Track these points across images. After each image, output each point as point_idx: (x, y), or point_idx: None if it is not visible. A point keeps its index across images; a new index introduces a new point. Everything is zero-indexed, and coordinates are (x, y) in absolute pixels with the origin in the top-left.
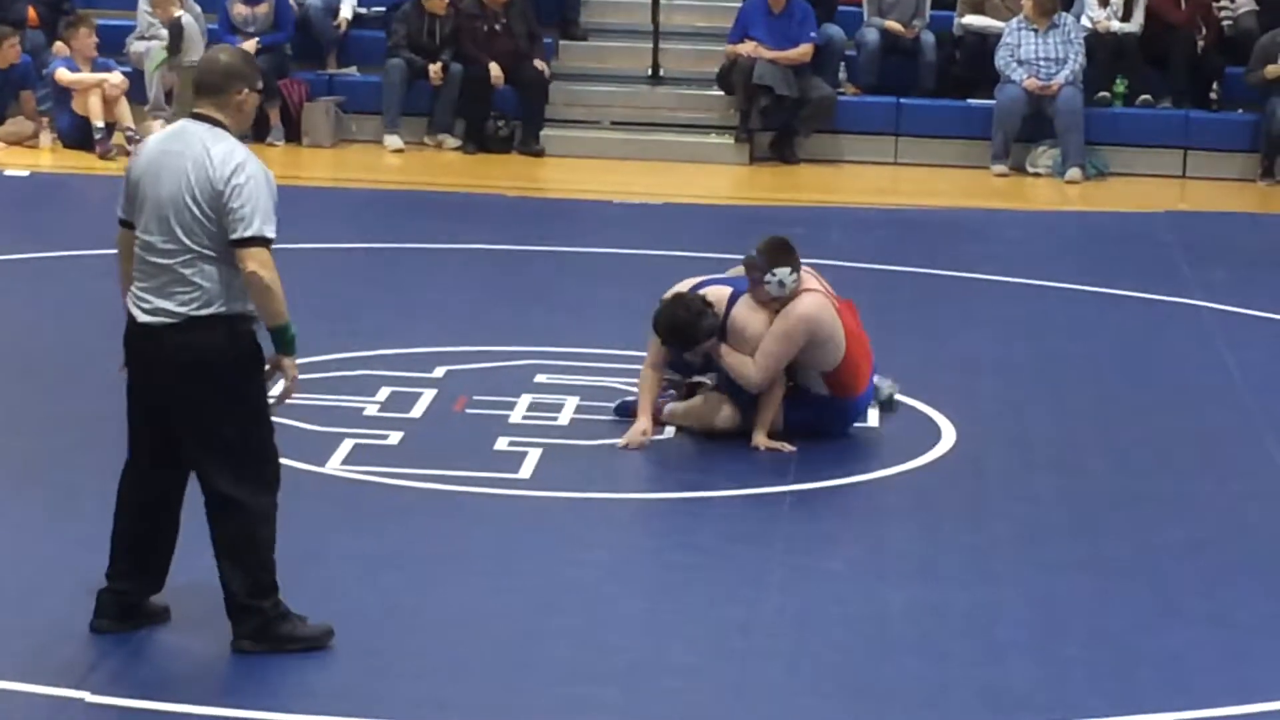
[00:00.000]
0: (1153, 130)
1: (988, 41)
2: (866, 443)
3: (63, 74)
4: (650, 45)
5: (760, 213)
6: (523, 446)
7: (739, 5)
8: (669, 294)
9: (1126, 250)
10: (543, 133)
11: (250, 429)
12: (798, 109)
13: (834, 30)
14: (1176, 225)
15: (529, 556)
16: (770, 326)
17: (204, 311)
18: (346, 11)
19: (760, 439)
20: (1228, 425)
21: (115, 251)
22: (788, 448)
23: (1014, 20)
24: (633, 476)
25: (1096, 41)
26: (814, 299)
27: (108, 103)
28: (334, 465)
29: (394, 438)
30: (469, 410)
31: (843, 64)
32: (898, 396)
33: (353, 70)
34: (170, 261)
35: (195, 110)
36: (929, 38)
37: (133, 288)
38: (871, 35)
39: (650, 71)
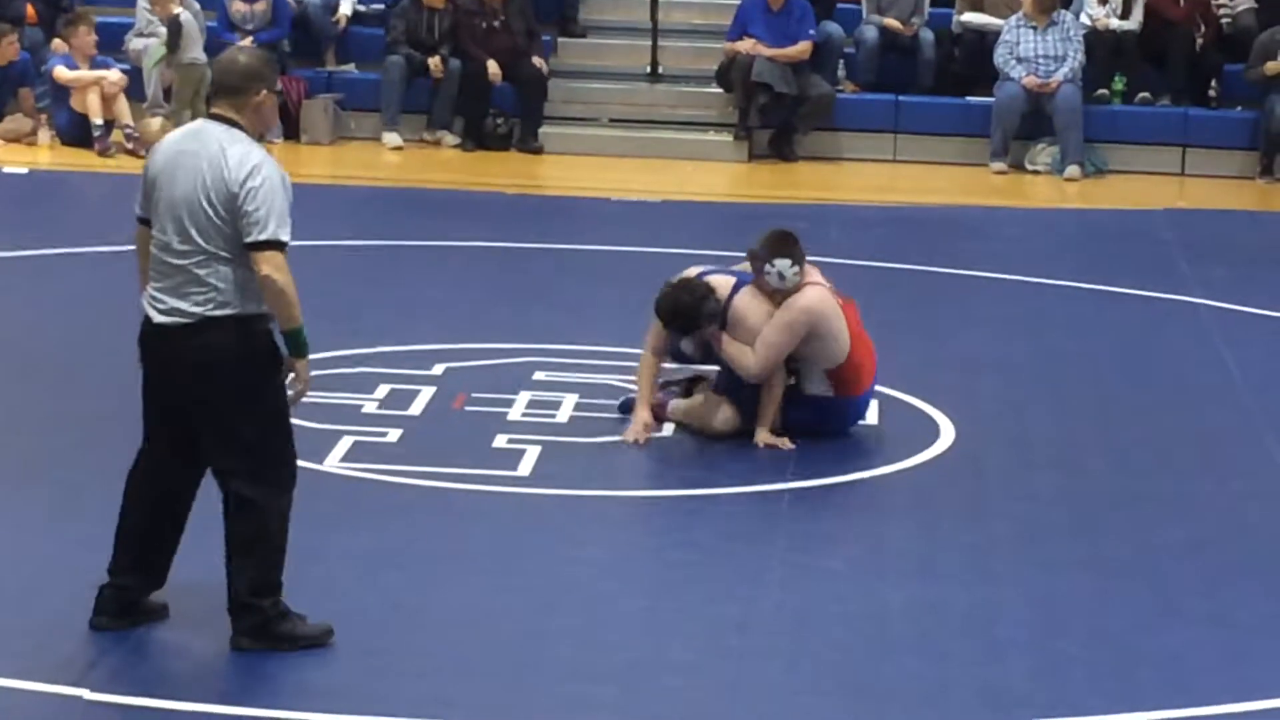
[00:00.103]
0: (1151, 128)
1: (986, 39)
2: (866, 441)
3: (61, 72)
4: (649, 42)
5: (759, 210)
6: (521, 444)
7: (738, 2)
8: (674, 279)
9: (1125, 248)
10: (541, 130)
11: (268, 429)
12: (796, 106)
13: (833, 27)
14: (1175, 223)
15: (528, 554)
16: (771, 317)
17: (219, 312)
18: (346, 9)
19: (762, 436)
20: (1227, 424)
21: (132, 248)
22: (788, 445)
23: (1013, 17)
24: (631, 474)
25: (1095, 39)
26: (817, 292)
27: (106, 100)
28: (332, 463)
29: (393, 435)
30: (468, 408)
31: (841, 61)
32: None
33: (351, 68)
34: (185, 262)
35: (213, 111)
36: (928, 35)
37: (148, 287)
38: (870, 32)
39: (649, 69)
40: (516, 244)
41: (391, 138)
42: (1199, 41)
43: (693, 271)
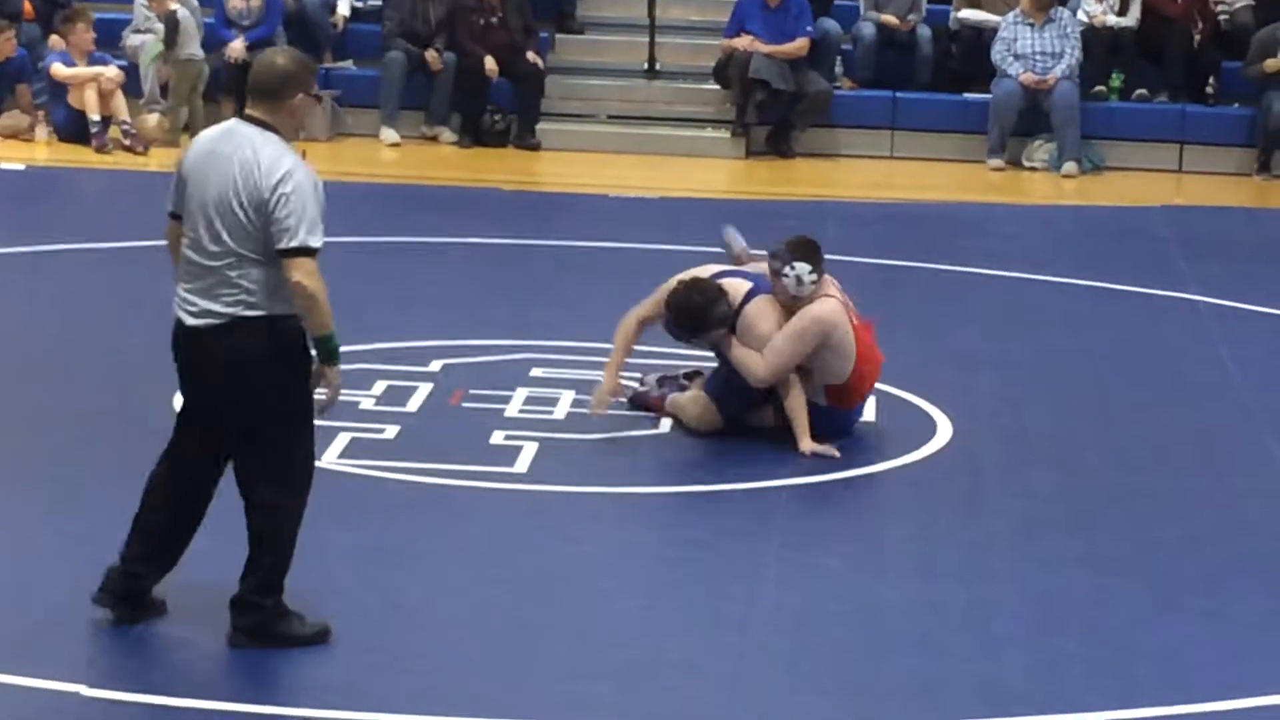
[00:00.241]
0: (1149, 124)
1: (984, 36)
2: (863, 438)
3: (58, 69)
4: (646, 39)
5: (756, 207)
6: (519, 440)
7: None
8: (687, 275)
9: (1122, 245)
10: (539, 126)
11: (294, 431)
12: (794, 103)
13: (830, 24)
14: (1172, 220)
15: (525, 551)
16: (782, 327)
17: (250, 313)
18: (344, 9)
19: (806, 444)
20: (1225, 421)
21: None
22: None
23: (1010, 14)
24: (629, 471)
25: (1093, 36)
26: (831, 304)
27: (103, 96)
28: (330, 459)
29: (390, 431)
30: (465, 404)
31: (839, 58)
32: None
33: (349, 64)
34: (216, 264)
35: (247, 112)
36: (925, 32)
37: (179, 288)
38: (868, 29)
39: (646, 65)
40: (514, 240)
41: (389, 134)
42: (1196, 38)
43: (708, 270)
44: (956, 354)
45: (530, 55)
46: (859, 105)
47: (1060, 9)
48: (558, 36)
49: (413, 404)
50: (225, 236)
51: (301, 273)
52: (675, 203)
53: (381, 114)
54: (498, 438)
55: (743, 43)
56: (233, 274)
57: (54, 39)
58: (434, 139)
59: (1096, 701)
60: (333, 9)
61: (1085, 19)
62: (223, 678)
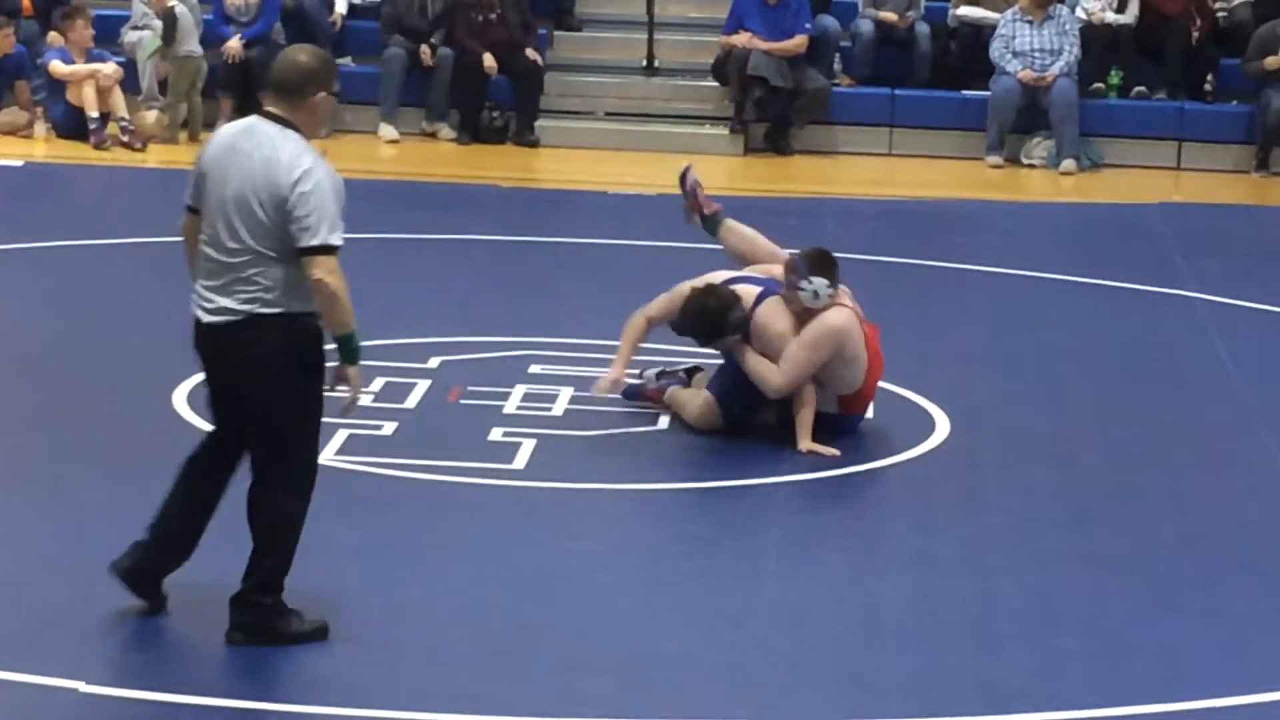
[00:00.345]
0: (1147, 122)
1: (982, 33)
2: (862, 435)
3: (56, 67)
4: (645, 36)
5: (755, 204)
6: (517, 437)
7: None
8: (700, 282)
9: (1121, 242)
10: (537, 123)
11: (305, 431)
12: (792, 100)
13: (829, 21)
14: (1171, 217)
15: (523, 547)
16: (794, 332)
17: (266, 310)
18: (341, 6)
19: (805, 444)
20: (1223, 418)
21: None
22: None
23: (1009, 11)
24: (627, 467)
25: (1091, 33)
26: (845, 313)
27: (101, 93)
28: (328, 455)
29: (388, 428)
30: (463, 401)
31: (837, 55)
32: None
33: (347, 61)
34: (234, 260)
35: (267, 109)
36: (924, 29)
37: (197, 284)
38: (866, 26)
39: (645, 62)
40: (512, 237)
41: (388, 131)
42: (1195, 35)
43: (719, 276)
44: (955, 351)
45: (529, 52)
46: (857, 102)
47: (1059, 6)
48: (556, 33)
49: (411, 400)
50: (244, 234)
51: (323, 270)
52: (674, 200)
53: (380, 110)
54: (496, 434)
55: (741, 40)
56: (250, 271)
57: (53, 35)
58: (433, 135)
59: (1094, 699)
60: (331, 6)
61: (1084, 16)
62: (221, 675)
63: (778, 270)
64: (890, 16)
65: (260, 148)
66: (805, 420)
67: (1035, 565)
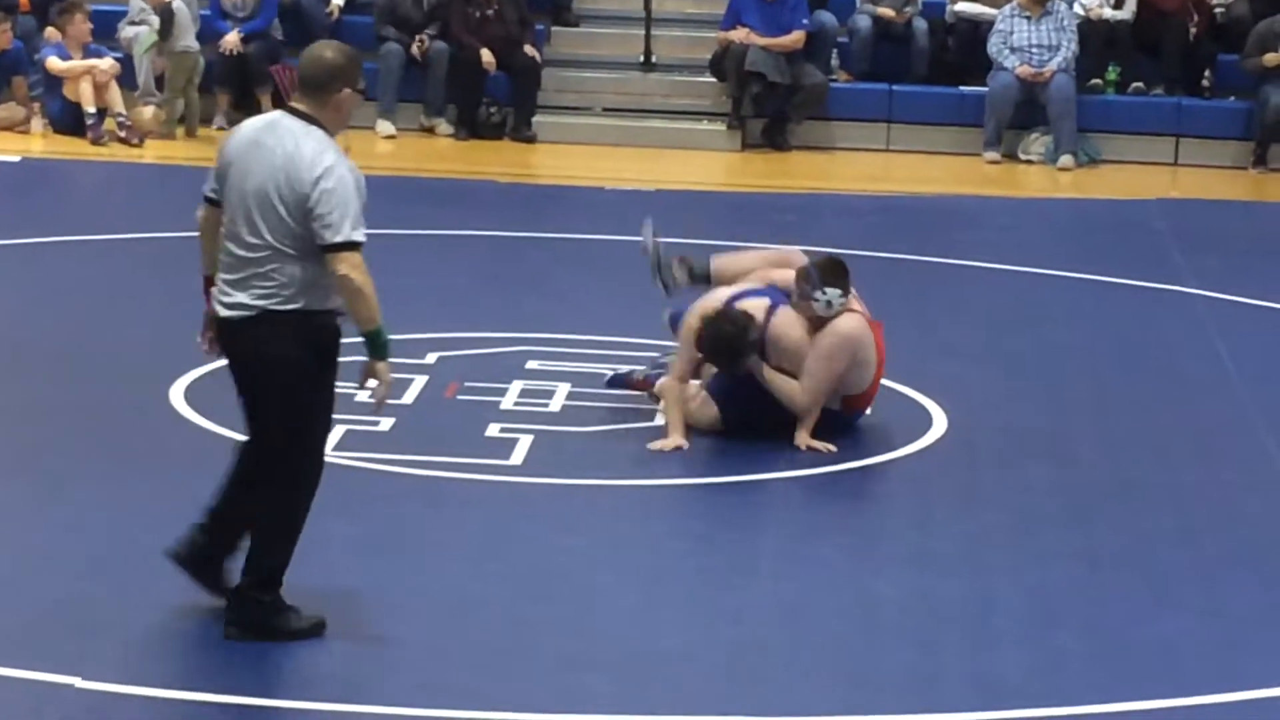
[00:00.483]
0: (1145, 117)
1: (980, 28)
2: (859, 430)
3: (53, 63)
4: (642, 32)
5: (752, 199)
6: (514, 433)
7: None
8: (705, 309)
9: (1118, 238)
10: (535, 119)
11: (314, 427)
12: (790, 96)
13: (826, 17)
14: (1168, 213)
15: (520, 543)
16: (809, 340)
17: (281, 307)
18: (338, 0)
19: (803, 440)
20: (1220, 414)
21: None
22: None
23: (1007, 7)
24: (625, 464)
25: (1089, 28)
26: (856, 319)
27: (98, 89)
28: (325, 451)
29: (385, 424)
30: (460, 396)
31: (835, 50)
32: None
33: None
34: (253, 255)
35: (291, 104)
36: (921, 24)
37: (218, 277)
38: (864, 22)
39: (642, 58)
40: (509, 233)
41: (385, 126)
42: (1192, 31)
43: (721, 295)
44: (952, 347)
45: (527, 48)
46: (855, 98)
47: (1057, 2)
48: (554, 29)
49: (408, 396)
50: (264, 230)
51: (348, 266)
52: (671, 195)
53: (378, 106)
54: (493, 430)
55: (739, 35)
56: (268, 268)
57: (50, 31)
58: (430, 131)
59: (1092, 695)
60: (328, 1)
61: (1081, 12)
62: (219, 670)
63: (775, 274)
64: (888, 12)
65: (283, 143)
66: (807, 424)
67: (1033, 562)
